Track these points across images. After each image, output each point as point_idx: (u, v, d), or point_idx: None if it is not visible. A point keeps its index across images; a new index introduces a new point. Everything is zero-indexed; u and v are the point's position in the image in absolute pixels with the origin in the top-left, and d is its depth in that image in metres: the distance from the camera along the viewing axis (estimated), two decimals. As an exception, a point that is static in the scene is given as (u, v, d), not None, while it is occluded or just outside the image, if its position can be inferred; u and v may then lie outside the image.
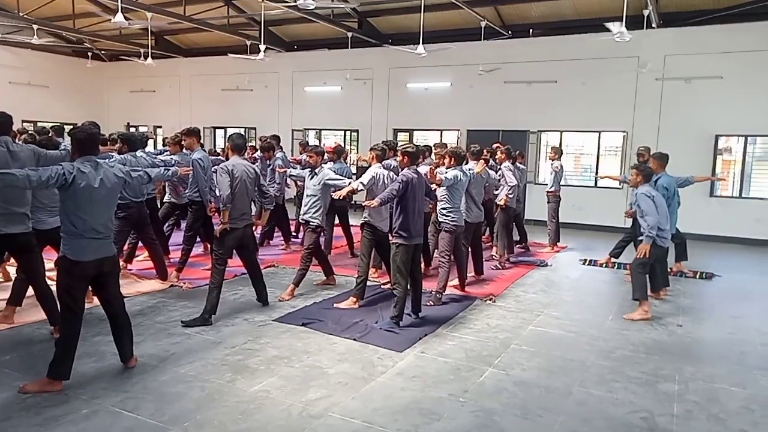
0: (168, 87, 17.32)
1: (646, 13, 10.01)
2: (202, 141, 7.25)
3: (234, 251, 5.42)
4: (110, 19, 8.72)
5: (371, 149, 5.91)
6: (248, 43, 13.58)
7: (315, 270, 6.81)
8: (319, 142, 15.75)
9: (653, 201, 5.65)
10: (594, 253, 8.82)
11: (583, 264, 8.34)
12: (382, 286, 6.39)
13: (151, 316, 5.24)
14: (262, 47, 10.82)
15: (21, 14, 13.15)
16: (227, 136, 16.57)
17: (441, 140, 13.28)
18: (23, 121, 16.43)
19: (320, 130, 15.73)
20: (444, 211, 5.94)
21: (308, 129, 15.71)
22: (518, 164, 8.70)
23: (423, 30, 10.17)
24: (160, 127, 17.56)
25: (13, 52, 15.79)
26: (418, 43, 10.24)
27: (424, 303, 5.56)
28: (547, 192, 9.29)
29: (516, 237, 9.45)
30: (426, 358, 4.45)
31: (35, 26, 12.67)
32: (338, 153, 7.88)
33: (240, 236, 5.28)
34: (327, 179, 5.99)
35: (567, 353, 4.67)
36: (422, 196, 5.35)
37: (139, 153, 6.46)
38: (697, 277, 7.66)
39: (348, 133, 15.27)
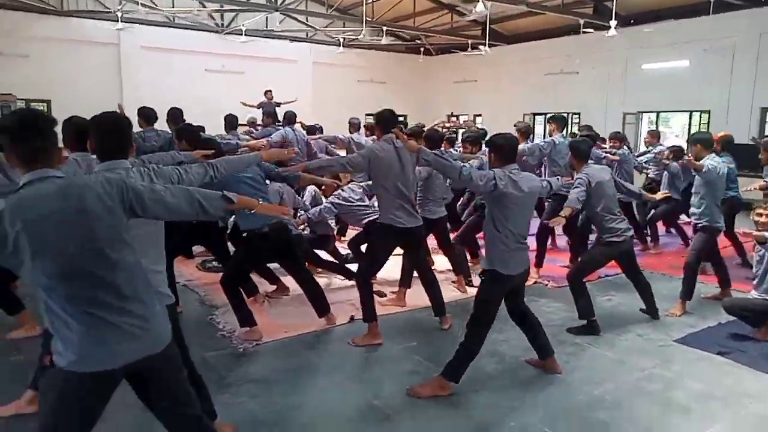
0: (489, 76, 17.56)
1: None
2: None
3: None
4: (471, 11, 8.89)
5: None
6: (581, 21, 12.65)
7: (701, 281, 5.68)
8: (656, 127, 13.94)
9: None
10: None
11: None
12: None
13: (529, 317, 4.95)
14: (613, 24, 9.77)
15: (370, 19, 14.83)
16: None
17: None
18: (366, 114, 18.76)
19: (658, 112, 13.88)
20: None
21: (642, 112, 14.02)
22: None
23: None
24: (480, 115, 18.01)
25: (359, 54, 18.02)
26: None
27: None
28: None
29: None
30: None
31: (384, 28, 14.07)
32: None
33: (626, 248, 4.71)
34: None
35: None
36: None
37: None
38: None
39: (696, 115, 13.09)
